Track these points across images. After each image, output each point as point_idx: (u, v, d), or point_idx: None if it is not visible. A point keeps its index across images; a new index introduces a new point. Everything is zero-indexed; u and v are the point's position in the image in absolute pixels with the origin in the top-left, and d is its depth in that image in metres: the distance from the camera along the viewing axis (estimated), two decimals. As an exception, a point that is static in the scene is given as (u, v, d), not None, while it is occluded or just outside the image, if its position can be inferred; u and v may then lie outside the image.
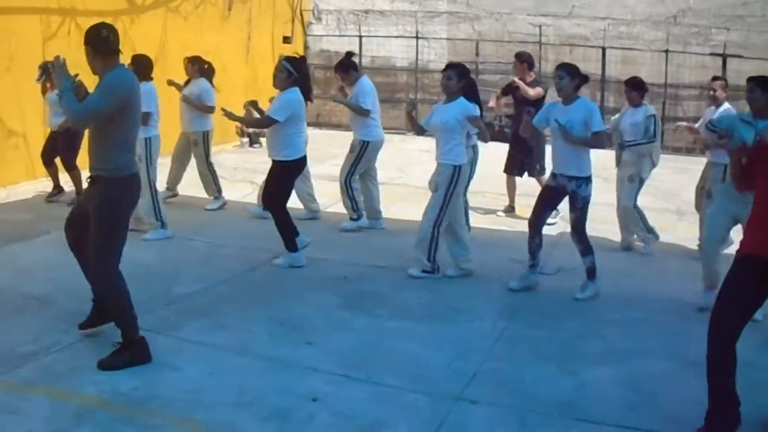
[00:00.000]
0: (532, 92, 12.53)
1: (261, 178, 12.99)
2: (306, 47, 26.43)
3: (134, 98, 6.75)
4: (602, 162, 11.83)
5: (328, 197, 13.14)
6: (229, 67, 20.39)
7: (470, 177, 10.98)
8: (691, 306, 8.69)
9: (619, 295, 9.09)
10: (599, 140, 8.83)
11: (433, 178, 9.70)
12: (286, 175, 10.02)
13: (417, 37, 25.67)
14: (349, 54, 12.43)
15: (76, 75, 6.73)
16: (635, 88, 10.97)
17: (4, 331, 7.32)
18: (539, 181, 12.80)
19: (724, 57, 23.09)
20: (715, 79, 11.04)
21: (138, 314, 6.93)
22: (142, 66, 11.02)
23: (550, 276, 9.80)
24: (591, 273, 9.13)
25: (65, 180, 13.22)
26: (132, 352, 6.76)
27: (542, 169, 12.98)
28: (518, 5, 24.93)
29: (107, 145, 6.65)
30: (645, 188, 10.75)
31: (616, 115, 11.48)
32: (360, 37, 26.11)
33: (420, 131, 10.16)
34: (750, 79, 8.44)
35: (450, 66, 9.73)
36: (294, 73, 9.82)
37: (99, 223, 6.70)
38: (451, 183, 9.41)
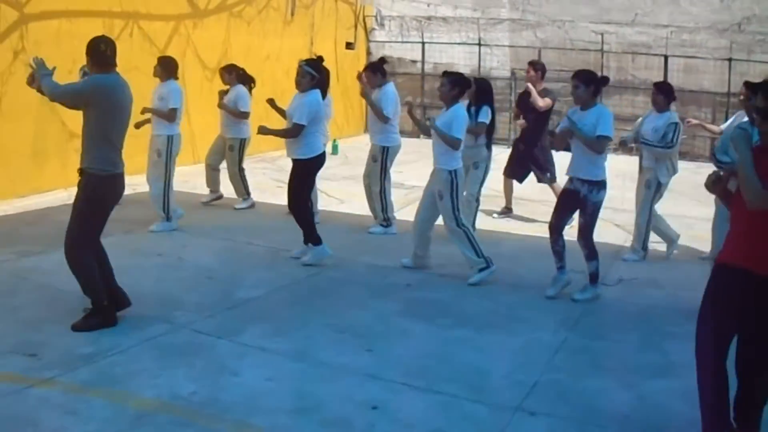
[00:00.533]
0: (542, 103, 12.78)
1: (327, 185, 13.02)
2: (368, 53, 26.43)
3: (116, 99, 7.45)
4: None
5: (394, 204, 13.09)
6: (291, 72, 20.29)
7: (484, 177, 11.61)
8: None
9: (678, 308, 8.89)
10: (600, 144, 8.90)
11: (428, 184, 10.00)
12: (306, 172, 10.30)
13: (479, 44, 25.59)
14: (383, 60, 13.01)
15: (54, 68, 7.54)
16: (662, 91, 10.84)
17: (64, 333, 7.34)
18: (553, 189, 13.06)
19: (791, 65, 22.78)
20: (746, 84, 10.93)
21: (200, 318, 7.17)
22: (167, 66, 11.81)
23: (612, 287, 9.68)
24: (594, 278, 9.22)
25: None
26: (101, 317, 7.51)
27: (554, 177, 13.17)
28: (581, 12, 24.83)
29: (93, 144, 7.44)
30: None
31: (639, 119, 11.41)
32: (422, 43, 26.09)
33: (425, 130, 10.57)
34: (746, 84, 8.48)
35: (444, 74, 10.02)
36: (316, 75, 10.16)
37: (78, 211, 7.48)
38: (453, 186, 9.63)
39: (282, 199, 13.12)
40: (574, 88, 9.08)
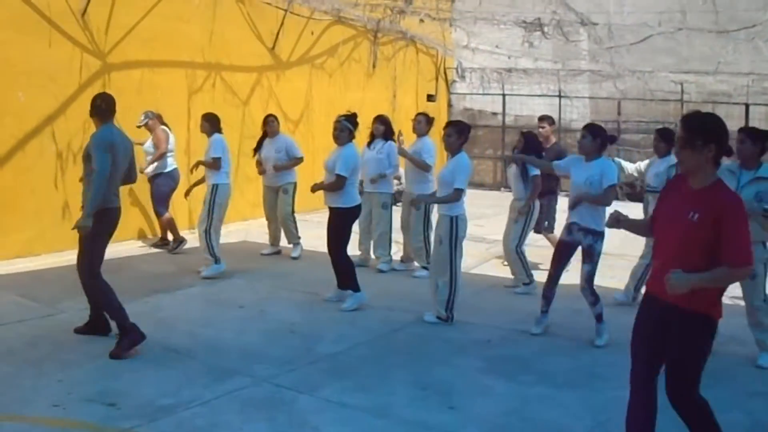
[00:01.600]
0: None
1: (401, 236, 12.98)
2: (449, 105, 26.53)
3: (113, 149, 8.48)
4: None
5: (472, 258, 12.99)
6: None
7: (524, 230, 11.71)
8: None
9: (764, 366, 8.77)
10: (608, 196, 9.29)
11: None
12: (343, 222, 10.56)
13: (560, 96, 25.55)
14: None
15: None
16: (663, 138, 11.05)
17: (144, 383, 7.37)
18: (548, 238, 13.20)
19: None
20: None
21: (281, 372, 7.37)
22: (212, 121, 12.48)
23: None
24: (599, 318, 9.47)
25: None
26: (129, 336, 8.27)
27: (551, 227, 13.22)
28: (661, 62, 24.64)
29: (89, 184, 8.47)
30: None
31: (645, 161, 11.42)
32: (503, 95, 26.06)
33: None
34: (741, 130, 8.71)
35: (449, 124, 10.38)
36: (353, 130, 10.68)
37: (85, 247, 8.51)
38: (452, 233, 9.82)
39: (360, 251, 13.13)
40: (581, 138, 9.47)
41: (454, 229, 9.77)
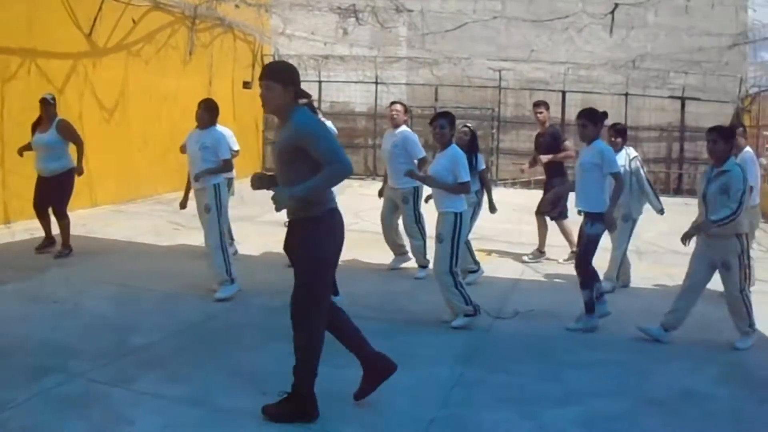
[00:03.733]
0: (572, 153, 13.09)
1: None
2: (265, 92, 26.48)
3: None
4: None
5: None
6: (189, 111, 20.28)
7: (472, 221, 11.39)
8: (650, 343, 8.99)
9: (575, 337, 9.25)
10: (619, 183, 9.46)
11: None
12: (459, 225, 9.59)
13: (376, 82, 25.93)
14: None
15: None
16: (619, 134, 11.67)
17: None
18: (560, 225, 13.35)
19: (683, 100, 23.57)
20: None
21: (95, 366, 7.21)
22: (212, 110, 11.00)
23: (508, 320, 9.87)
24: (587, 306, 9.52)
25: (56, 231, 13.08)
26: (299, 405, 6.71)
27: (562, 215, 13.31)
28: (477, 50, 25.18)
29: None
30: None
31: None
32: (320, 82, 26.25)
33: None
34: (712, 130, 8.76)
35: (441, 115, 9.79)
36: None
37: (298, 262, 6.67)
38: (455, 230, 9.37)
39: (178, 240, 13.06)
40: (582, 128, 9.65)
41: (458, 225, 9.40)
